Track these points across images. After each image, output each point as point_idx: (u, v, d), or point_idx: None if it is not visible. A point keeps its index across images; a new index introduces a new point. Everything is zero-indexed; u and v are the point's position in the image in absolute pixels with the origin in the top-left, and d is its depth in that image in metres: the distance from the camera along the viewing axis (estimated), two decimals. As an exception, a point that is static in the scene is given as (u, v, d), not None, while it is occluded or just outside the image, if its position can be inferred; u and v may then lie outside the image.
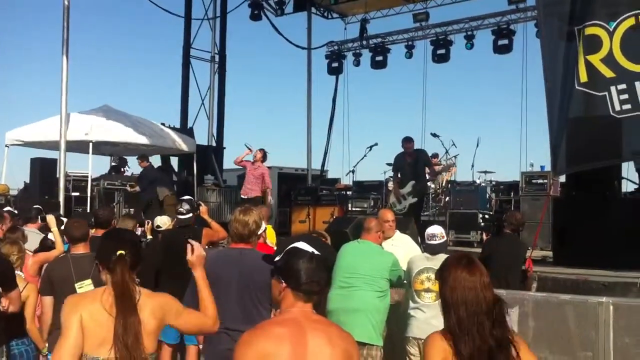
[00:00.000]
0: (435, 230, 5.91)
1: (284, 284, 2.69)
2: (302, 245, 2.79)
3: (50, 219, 6.39)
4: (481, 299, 2.66)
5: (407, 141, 11.62)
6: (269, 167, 13.63)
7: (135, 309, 2.93)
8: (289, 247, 2.84)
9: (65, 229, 5.38)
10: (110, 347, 2.85)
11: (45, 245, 6.45)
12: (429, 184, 15.13)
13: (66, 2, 12.08)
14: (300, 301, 2.67)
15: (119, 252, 3.07)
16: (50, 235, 6.43)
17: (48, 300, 4.83)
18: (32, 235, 6.85)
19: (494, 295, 2.73)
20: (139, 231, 7.83)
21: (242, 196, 12.76)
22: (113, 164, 17.05)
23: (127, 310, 2.90)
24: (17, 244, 5.46)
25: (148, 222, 8.12)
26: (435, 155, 15.69)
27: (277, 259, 2.78)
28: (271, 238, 7.85)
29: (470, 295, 2.66)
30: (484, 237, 9.12)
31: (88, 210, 12.57)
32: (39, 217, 7.69)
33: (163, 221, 7.76)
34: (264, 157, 12.77)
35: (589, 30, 7.82)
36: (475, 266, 2.76)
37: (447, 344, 2.66)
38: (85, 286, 4.72)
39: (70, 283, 4.75)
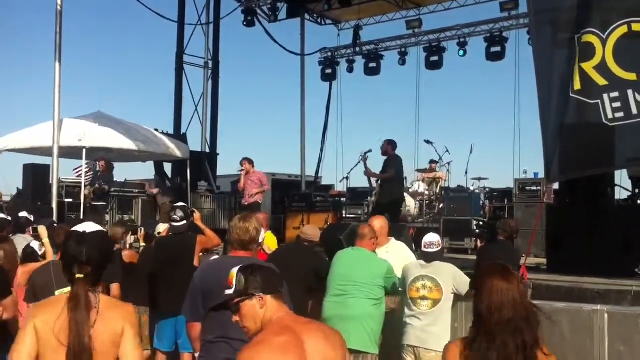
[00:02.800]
0: (433, 239, 5.92)
1: (264, 296, 2.76)
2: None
3: (42, 229, 6.35)
4: (519, 304, 2.70)
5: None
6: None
7: (88, 333, 2.83)
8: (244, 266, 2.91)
9: (51, 236, 5.37)
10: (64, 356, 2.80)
11: (27, 252, 6.40)
12: (417, 189, 15.17)
13: (59, 7, 12.06)
14: (280, 302, 2.76)
15: (77, 276, 2.93)
16: (33, 244, 6.41)
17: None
18: (19, 241, 6.83)
19: (532, 303, 2.79)
20: (131, 239, 7.80)
21: (243, 202, 12.78)
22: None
23: (80, 334, 2.81)
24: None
25: (141, 230, 8.11)
26: (434, 162, 15.69)
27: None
28: (272, 244, 7.84)
29: (507, 302, 2.69)
30: (478, 244, 9.15)
31: (81, 217, 12.51)
32: (30, 225, 7.66)
33: (164, 228, 7.75)
34: (252, 163, 12.81)
35: (584, 38, 7.85)
36: (511, 273, 2.81)
37: (466, 353, 2.70)
38: (65, 294, 4.69)
39: (50, 290, 4.73)
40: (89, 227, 3.13)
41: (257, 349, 2.59)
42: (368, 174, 11.80)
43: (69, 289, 4.59)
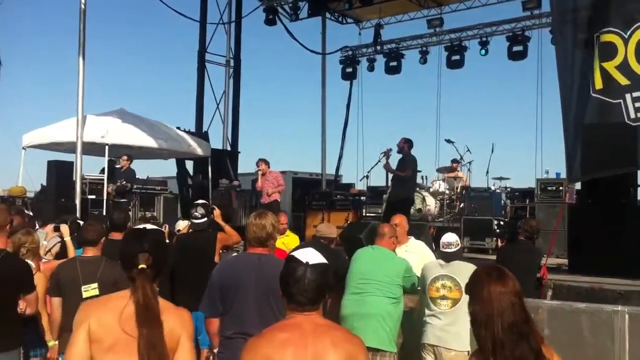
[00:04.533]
0: (451, 239, 5.90)
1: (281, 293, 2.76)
2: (302, 253, 2.79)
3: (64, 228, 6.44)
4: (517, 307, 2.60)
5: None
6: (283, 172, 13.74)
7: (160, 326, 2.73)
8: (288, 254, 2.88)
9: (79, 231, 5.43)
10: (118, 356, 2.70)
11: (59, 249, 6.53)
12: (438, 188, 15.11)
13: (82, 6, 12.19)
14: (298, 310, 2.69)
15: (140, 266, 2.84)
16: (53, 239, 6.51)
17: (56, 301, 4.90)
18: (54, 239, 6.95)
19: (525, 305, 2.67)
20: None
21: (262, 202, 12.91)
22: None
23: (152, 328, 2.70)
24: (31, 235, 5.50)
25: (165, 226, 8.16)
26: (456, 161, 15.64)
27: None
28: (293, 245, 7.84)
29: (507, 306, 2.59)
30: (499, 243, 9.10)
31: (104, 213, 12.64)
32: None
33: (183, 226, 7.81)
34: (267, 163, 12.96)
35: (605, 38, 7.79)
36: (506, 275, 2.70)
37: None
38: (91, 290, 4.76)
39: (77, 286, 4.80)
40: (148, 226, 3.13)
41: (259, 339, 2.66)
42: (387, 168, 11.77)
43: (95, 285, 4.67)
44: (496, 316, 2.58)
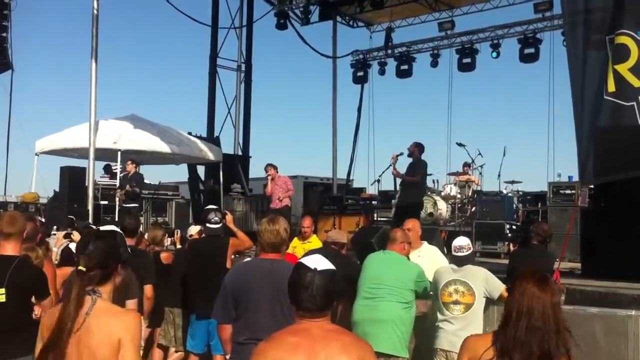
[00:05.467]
0: (463, 242, 5.88)
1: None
2: (310, 259, 2.80)
3: (76, 234, 6.48)
4: (549, 315, 2.68)
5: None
6: (294, 176, 13.79)
7: (70, 331, 2.80)
8: (298, 261, 2.89)
9: None
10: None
11: (65, 253, 6.54)
12: (449, 192, 15.07)
13: (95, 12, 12.26)
14: (306, 316, 2.71)
15: (79, 268, 2.94)
16: (72, 245, 6.54)
17: None
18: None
19: (563, 318, 2.74)
20: (168, 241, 7.90)
21: (272, 207, 12.98)
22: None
23: (61, 332, 2.80)
24: (35, 251, 5.52)
25: (177, 232, 8.20)
26: (467, 165, 15.60)
27: None
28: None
29: (537, 310, 2.68)
30: (511, 248, 9.05)
31: (116, 219, 12.70)
32: (70, 226, 7.81)
33: (195, 231, 7.84)
34: (276, 168, 13.07)
35: (618, 40, 7.76)
36: (547, 283, 2.78)
37: (489, 345, 2.73)
38: None
39: None
40: (106, 227, 3.18)
41: (270, 343, 2.67)
42: (395, 173, 11.76)
43: None
44: (524, 314, 2.68)
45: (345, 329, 2.89)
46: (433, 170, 12.61)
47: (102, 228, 3.15)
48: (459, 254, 5.84)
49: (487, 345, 2.75)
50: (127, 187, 13.54)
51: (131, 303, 5.87)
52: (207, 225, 7.00)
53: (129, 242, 6.21)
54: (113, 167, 15.30)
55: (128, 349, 2.84)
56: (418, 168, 11.33)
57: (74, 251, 6.24)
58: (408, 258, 6.10)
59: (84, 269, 2.92)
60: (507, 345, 2.67)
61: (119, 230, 3.23)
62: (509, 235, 12.78)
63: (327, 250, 6.86)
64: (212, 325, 6.16)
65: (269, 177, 13.02)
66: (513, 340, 2.66)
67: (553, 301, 2.72)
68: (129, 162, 13.75)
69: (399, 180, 11.97)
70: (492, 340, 2.76)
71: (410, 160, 11.48)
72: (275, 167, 13.16)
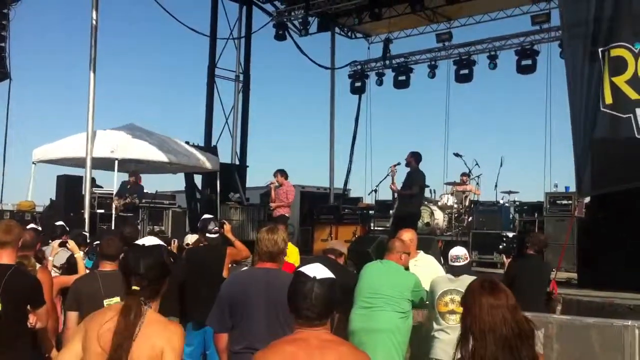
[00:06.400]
0: (459, 252, 5.88)
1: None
2: (309, 268, 2.81)
3: (72, 245, 6.46)
4: (510, 322, 2.58)
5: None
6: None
7: (129, 339, 2.81)
8: (296, 270, 2.89)
9: (100, 246, 5.42)
10: None
11: (71, 262, 6.52)
12: (446, 202, 15.07)
13: (94, 22, 12.27)
14: (304, 325, 2.71)
15: (133, 288, 2.94)
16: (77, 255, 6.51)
17: (73, 315, 4.83)
18: (61, 252, 6.93)
19: (524, 317, 2.67)
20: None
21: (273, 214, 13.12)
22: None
23: (121, 337, 2.80)
24: (28, 259, 5.50)
25: (174, 241, 8.18)
26: (465, 175, 15.62)
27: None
28: (294, 258, 7.85)
29: (498, 320, 2.58)
30: (505, 259, 9.01)
31: (113, 228, 12.68)
32: (64, 235, 7.76)
33: (192, 240, 7.82)
34: (284, 175, 13.11)
35: (614, 52, 7.80)
36: (499, 289, 2.69)
37: None
38: (114, 302, 4.75)
39: (99, 299, 4.78)
40: (148, 240, 3.16)
41: (267, 352, 2.69)
42: (393, 189, 11.75)
43: (117, 299, 4.68)
44: (488, 332, 2.58)
45: (342, 338, 2.89)
46: (429, 182, 12.57)
47: (144, 241, 3.14)
48: (456, 263, 5.84)
49: None
50: (128, 198, 13.56)
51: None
52: (207, 234, 7.00)
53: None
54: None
55: (169, 358, 2.86)
56: (415, 179, 11.31)
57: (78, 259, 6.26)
58: (407, 268, 6.10)
59: (137, 289, 2.92)
60: None
61: (162, 243, 3.23)
62: (500, 247, 12.76)
63: (323, 259, 6.85)
64: (208, 335, 6.15)
65: (273, 184, 13.15)
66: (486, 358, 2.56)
67: (509, 305, 2.63)
68: (132, 179, 13.98)
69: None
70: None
71: (408, 170, 11.47)
72: (282, 174, 13.25)
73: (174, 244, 8.04)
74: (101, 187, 14.70)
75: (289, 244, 8.15)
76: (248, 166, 19.21)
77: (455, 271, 5.83)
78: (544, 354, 2.71)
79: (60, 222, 8.20)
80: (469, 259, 5.89)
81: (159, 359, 2.86)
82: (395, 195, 11.87)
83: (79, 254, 6.31)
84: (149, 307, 2.96)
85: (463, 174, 15.68)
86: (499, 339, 2.56)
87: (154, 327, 2.90)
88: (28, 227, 6.59)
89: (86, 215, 11.98)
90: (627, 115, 7.64)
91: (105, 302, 4.73)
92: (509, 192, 15.08)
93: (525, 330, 2.61)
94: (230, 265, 6.99)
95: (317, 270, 2.76)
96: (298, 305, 2.71)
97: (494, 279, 2.81)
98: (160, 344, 2.87)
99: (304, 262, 3.01)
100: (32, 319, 4.50)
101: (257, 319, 3.99)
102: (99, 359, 2.81)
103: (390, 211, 12.69)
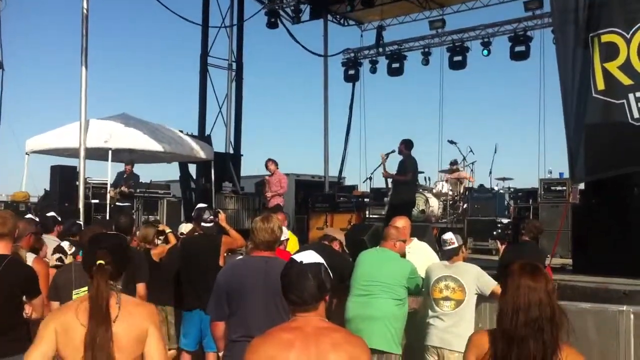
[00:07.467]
0: (445, 237, 5.84)
1: None
2: (299, 254, 2.85)
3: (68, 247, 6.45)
4: (545, 304, 2.71)
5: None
6: (286, 174, 13.91)
7: (108, 324, 2.87)
8: (290, 256, 2.92)
9: (80, 236, 5.43)
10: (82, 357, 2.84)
11: (61, 251, 6.49)
12: (441, 189, 15.10)
13: (85, 11, 12.18)
14: (298, 310, 2.75)
15: (98, 262, 2.99)
16: (63, 244, 6.50)
17: (55, 305, 4.88)
18: (50, 243, 6.91)
19: (559, 307, 2.78)
20: (160, 240, 7.87)
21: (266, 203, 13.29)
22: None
23: (99, 325, 2.85)
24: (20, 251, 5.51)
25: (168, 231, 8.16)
26: (455, 162, 15.64)
27: None
28: (293, 246, 7.86)
29: (533, 302, 2.71)
30: (499, 245, 9.04)
31: (107, 218, 12.66)
32: (55, 225, 7.73)
33: (186, 229, 7.82)
34: (275, 164, 13.32)
35: (606, 38, 7.80)
36: (539, 273, 2.81)
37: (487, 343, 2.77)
38: (81, 293, 4.76)
39: (69, 289, 4.82)
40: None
41: (263, 339, 2.71)
42: (385, 174, 11.79)
43: (86, 288, 4.68)
44: (521, 309, 2.71)
45: (338, 325, 2.91)
46: (423, 169, 12.61)
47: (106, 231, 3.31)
48: (443, 247, 5.86)
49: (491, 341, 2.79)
50: (124, 187, 13.58)
51: (141, 286, 5.90)
52: (202, 223, 7.00)
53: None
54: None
55: (154, 336, 2.99)
56: (408, 165, 11.33)
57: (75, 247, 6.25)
58: (404, 255, 6.12)
59: (103, 262, 3.00)
60: (509, 341, 2.70)
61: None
62: (495, 233, 12.81)
63: (317, 245, 6.87)
64: (205, 323, 6.16)
65: (270, 172, 13.41)
66: (513, 335, 2.69)
67: (548, 289, 2.75)
68: (127, 167, 14.13)
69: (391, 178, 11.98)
70: (490, 339, 2.79)
71: (401, 158, 11.48)
72: (274, 162, 13.42)
73: (171, 236, 8.00)
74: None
75: (289, 232, 8.23)
76: (242, 155, 19.19)
77: (443, 254, 5.88)
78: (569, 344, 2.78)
79: (51, 213, 8.14)
80: (455, 243, 5.83)
81: (144, 337, 2.96)
82: (390, 183, 11.89)
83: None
84: (118, 289, 3.04)
85: (452, 162, 15.69)
86: (530, 320, 2.69)
87: (134, 308, 3.01)
88: (25, 217, 6.58)
89: (80, 205, 11.95)
90: (620, 101, 7.64)
91: (74, 292, 4.76)
92: (504, 179, 15.12)
93: (557, 314, 2.72)
94: (225, 254, 7.00)
95: (306, 256, 2.80)
96: (287, 289, 2.76)
97: (536, 263, 2.90)
98: (145, 324, 2.98)
99: (299, 250, 3.03)
100: (27, 310, 4.50)
101: (254, 307, 4.01)
102: (81, 336, 2.86)
103: (385, 199, 12.72)
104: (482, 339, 2.88)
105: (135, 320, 2.96)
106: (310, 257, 2.80)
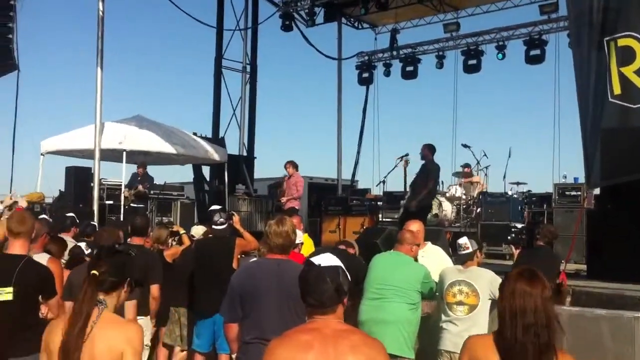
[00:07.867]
0: (460, 241, 5.87)
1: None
2: (317, 257, 2.84)
3: (85, 247, 6.49)
4: (540, 311, 2.70)
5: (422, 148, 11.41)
6: (299, 177, 13.93)
7: (82, 335, 2.85)
8: (306, 259, 2.92)
9: (95, 237, 5.46)
10: None
11: (74, 253, 6.54)
12: (454, 193, 15.01)
13: (101, 13, 12.26)
14: (316, 313, 2.74)
15: (92, 272, 2.98)
16: (80, 244, 6.54)
17: (69, 305, 4.91)
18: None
19: (556, 315, 2.77)
20: (175, 241, 7.91)
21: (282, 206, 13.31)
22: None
23: (71, 334, 2.85)
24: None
25: (184, 234, 8.19)
26: (467, 166, 15.58)
27: None
28: (309, 249, 7.85)
29: (529, 307, 2.70)
30: (513, 250, 9.00)
31: (122, 219, 12.72)
32: (73, 226, 7.79)
33: (197, 231, 7.84)
34: (295, 167, 13.24)
35: (622, 42, 7.74)
36: (537, 279, 2.79)
37: (488, 346, 2.77)
38: None
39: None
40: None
41: (282, 341, 2.71)
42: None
43: None
44: (518, 314, 2.70)
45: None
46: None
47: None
48: (458, 252, 5.85)
49: (487, 346, 2.79)
50: (140, 187, 13.64)
51: (154, 288, 5.91)
52: (213, 226, 7.02)
53: (139, 241, 6.25)
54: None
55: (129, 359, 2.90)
56: (431, 172, 11.24)
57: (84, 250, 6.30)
58: (416, 259, 6.10)
59: (96, 273, 2.98)
60: (507, 347, 2.70)
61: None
62: (509, 238, 12.75)
63: (334, 248, 6.87)
64: (218, 325, 6.18)
65: (287, 177, 13.50)
66: (512, 341, 2.69)
67: (544, 296, 2.74)
68: (140, 169, 14.26)
69: (409, 181, 11.93)
70: (494, 343, 2.78)
71: (423, 162, 11.36)
72: (292, 165, 13.45)
73: (184, 237, 8.01)
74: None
75: (305, 236, 8.23)
76: (256, 157, 19.24)
77: (457, 259, 5.88)
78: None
79: (70, 214, 8.22)
80: (470, 248, 5.84)
81: (118, 359, 2.89)
82: (408, 185, 11.83)
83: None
84: (105, 306, 2.99)
85: (465, 165, 15.62)
86: (526, 325, 2.68)
87: (111, 328, 2.94)
88: (39, 217, 6.62)
89: (95, 207, 12.02)
90: (637, 106, 7.58)
91: None
92: (518, 183, 15.04)
93: (552, 324, 2.71)
94: (239, 257, 7.01)
95: (324, 259, 2.80)
96: (305, 292, 2.76)
97: (534, 269, 2.89)
98: (120, 346, 2.90)
99: (314, 253, 3.04)
100: (43, 310, 4.53)
101: (268, 310, 4.01)
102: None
103: (401, 201, 12.65)
104: (475, 343, 2.89)
105: (110, 341, 2.90)
106: (328, 259, 2.79)
